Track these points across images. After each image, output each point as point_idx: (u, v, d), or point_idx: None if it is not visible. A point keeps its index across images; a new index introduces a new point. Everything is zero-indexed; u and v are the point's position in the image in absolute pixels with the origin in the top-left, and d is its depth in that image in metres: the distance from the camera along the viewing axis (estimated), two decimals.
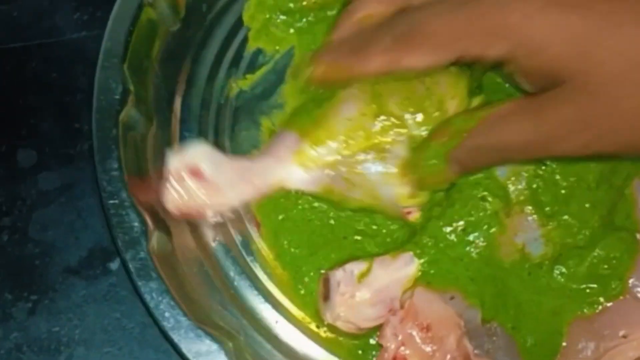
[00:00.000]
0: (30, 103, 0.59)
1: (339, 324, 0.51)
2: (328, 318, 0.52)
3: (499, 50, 0.43)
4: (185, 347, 0.49)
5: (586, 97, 0.42)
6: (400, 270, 0.51)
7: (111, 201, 0.50)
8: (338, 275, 0.51)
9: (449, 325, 0.51)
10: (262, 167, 0.51)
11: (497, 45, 0.43)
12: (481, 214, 0.52)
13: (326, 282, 0.52)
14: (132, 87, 0.52)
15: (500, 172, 0.53)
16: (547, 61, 0.42)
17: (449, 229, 0.52)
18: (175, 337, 0.49)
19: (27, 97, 0.59)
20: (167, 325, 0.49)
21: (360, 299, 0.51)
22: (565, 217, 0.54)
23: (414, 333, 0.50)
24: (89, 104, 0.53)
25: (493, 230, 0.52)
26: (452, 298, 0.52)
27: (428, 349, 0.50)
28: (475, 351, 0.52)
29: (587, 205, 0.53)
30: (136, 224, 0.50)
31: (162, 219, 0.52)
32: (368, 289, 0.51)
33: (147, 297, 0.49)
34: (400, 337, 0.50)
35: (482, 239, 0.52)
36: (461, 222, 0.52)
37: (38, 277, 0.57)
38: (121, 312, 0.57)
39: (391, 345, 0.50)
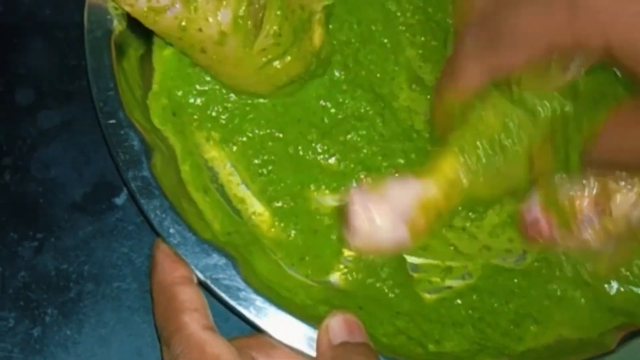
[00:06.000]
0: (26, 41, 0.58)
1: (361, 246, 0.50)
2: (351, 243, 0.50)
3: (594, 40, 0.40)
4: (192, 262, 0.47)
5: None
6: (418, 185, 0.50)
7: (109, 121, 0.49)
8: (352, 191, 0.50)
9: None
10: None
11: (592, 35, 0.40)
12: None
13: (344, 207, 0.50)
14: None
15: None
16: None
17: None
18: (182, 252, 0.47)
19: (21, 36, 0.58)
20: (173, 241, 0.48)
21: (375, 209, 0.49)
22: None
23: None
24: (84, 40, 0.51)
25: None
26: None
27: None
28: None
29: None
30: (136, 142, 0.49)
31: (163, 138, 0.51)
32: (384, 200, 0.49)
33: (150, 215, 0.48)
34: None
35: None
36: None
37: (43, 215, 0.56)
38: (129, 246, 0.56)
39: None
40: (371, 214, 0.49)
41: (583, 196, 0.50)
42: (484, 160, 0.49)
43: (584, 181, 0.50)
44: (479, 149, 0.49)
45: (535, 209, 0.52)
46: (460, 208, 0.54)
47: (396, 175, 0.52)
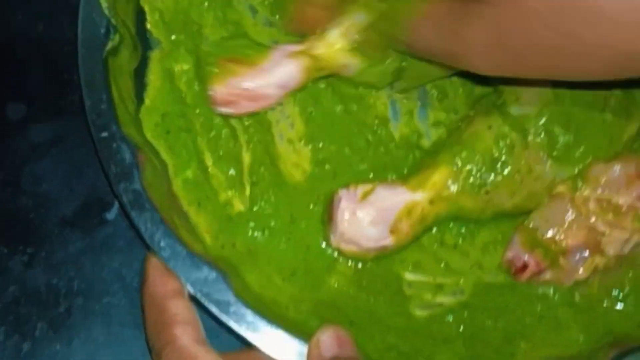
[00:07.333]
0: (17, 56, 0.58)
1: (343, 246, 0.50)
2: (332, 241, 0.50)
3: None
4: (183, 275, 0.47)
5: (495, 11, 0.40)
6: (406, 194, 0.50)
7: (102, 134, 0.49)
8: (341, 192, 0.50)
9: None
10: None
11: None
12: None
13: (330, 203, 0.51)
14: (115, 21, 0.51)
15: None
16: None
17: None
18: (172, 266, 0.47)
19: (13, 51, 0.58)
20: (164, 255, 0.48)
21: (362, 216, 0.49)
22: None
23: None
24: (77, 55, 0.52)
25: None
26: None
27: None
28: None
29: None
30: (127, 156, 0.49)
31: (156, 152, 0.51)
32: (371, 207, 0.50)
33: (141, 228, 0.48)
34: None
35: None
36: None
37: (33, 230, 0.56)
38: (119, 261, 0.56)
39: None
40: (357, 221, 0.50)
41: (567, 236, 0.51)
42: (474, 174, 0.50)
43: (566, 220, 0.51)
44: (472, 164, 0.50)
45: (520, 252, 0.52)
46: (451, 225, 0.54)
47: (386, 182, 0.52)
